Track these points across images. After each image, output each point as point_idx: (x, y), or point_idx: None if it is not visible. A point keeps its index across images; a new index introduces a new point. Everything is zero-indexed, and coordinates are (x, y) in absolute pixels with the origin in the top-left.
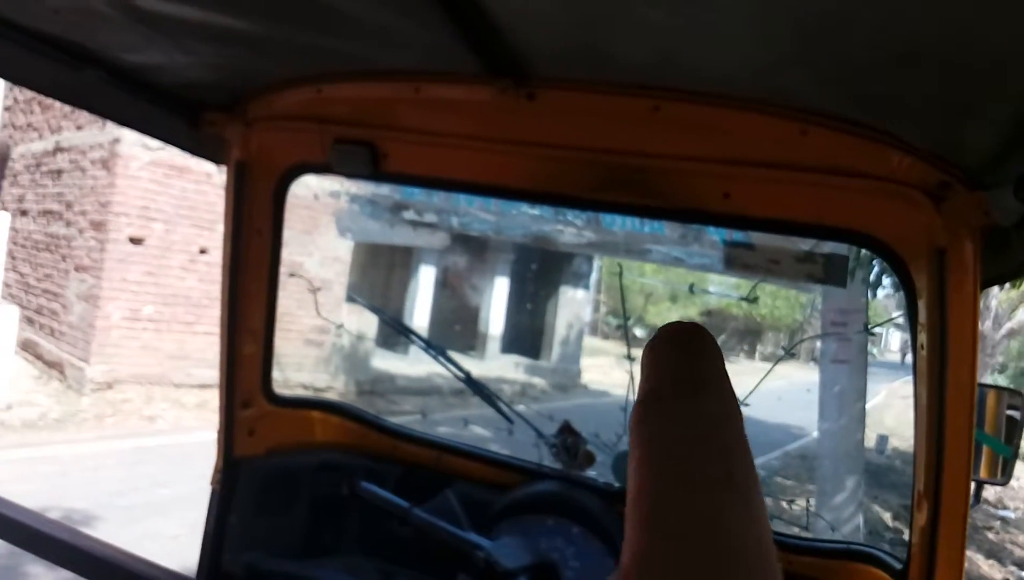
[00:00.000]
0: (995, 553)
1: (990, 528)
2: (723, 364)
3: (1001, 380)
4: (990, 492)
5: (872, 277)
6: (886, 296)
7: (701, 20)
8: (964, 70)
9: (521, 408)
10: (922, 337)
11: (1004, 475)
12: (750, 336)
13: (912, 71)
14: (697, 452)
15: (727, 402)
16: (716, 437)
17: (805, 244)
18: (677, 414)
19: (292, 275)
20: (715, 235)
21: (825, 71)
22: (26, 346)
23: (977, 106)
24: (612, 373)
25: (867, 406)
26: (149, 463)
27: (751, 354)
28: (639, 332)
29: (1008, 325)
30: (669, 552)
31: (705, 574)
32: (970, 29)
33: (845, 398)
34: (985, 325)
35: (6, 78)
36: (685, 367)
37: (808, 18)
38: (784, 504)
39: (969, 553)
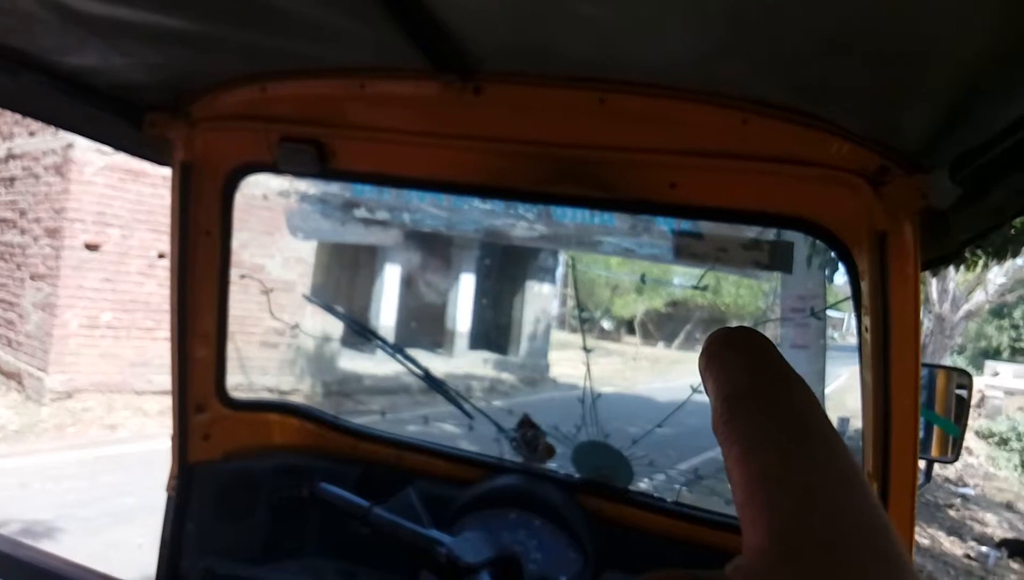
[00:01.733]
0: (956, 530)
1: (951, 506)
2: (781, 354)
3: (960, 361)
4: (951, 470)
5: (829, 262)
6: (845, 282)
7: (639, 13)
8: (895, 54)
9: (484, 404)
10: (866, 320)
11: (954, 453)
12: (715, 325)
13: (844, 57)
14: (799, 439)
15: (809, 392)
16: (812, 424)
17: (751, 232)
18: (769, 407)
19: (243, 277)
20: (664, 225)
21: (761, 60)
22: None
23: (910, 90)
24: (580, 366)
25: (829, 389)
26: (111, 472)
27: None
28: (606, 324)
29: (966, 306)
30: (797, 533)
31: (838, 549)
32: (898, 13)
33: None
34: (944, 307)
35: None
36: (761, 365)
37: (740, 7)
38: None
39: (931, 531)
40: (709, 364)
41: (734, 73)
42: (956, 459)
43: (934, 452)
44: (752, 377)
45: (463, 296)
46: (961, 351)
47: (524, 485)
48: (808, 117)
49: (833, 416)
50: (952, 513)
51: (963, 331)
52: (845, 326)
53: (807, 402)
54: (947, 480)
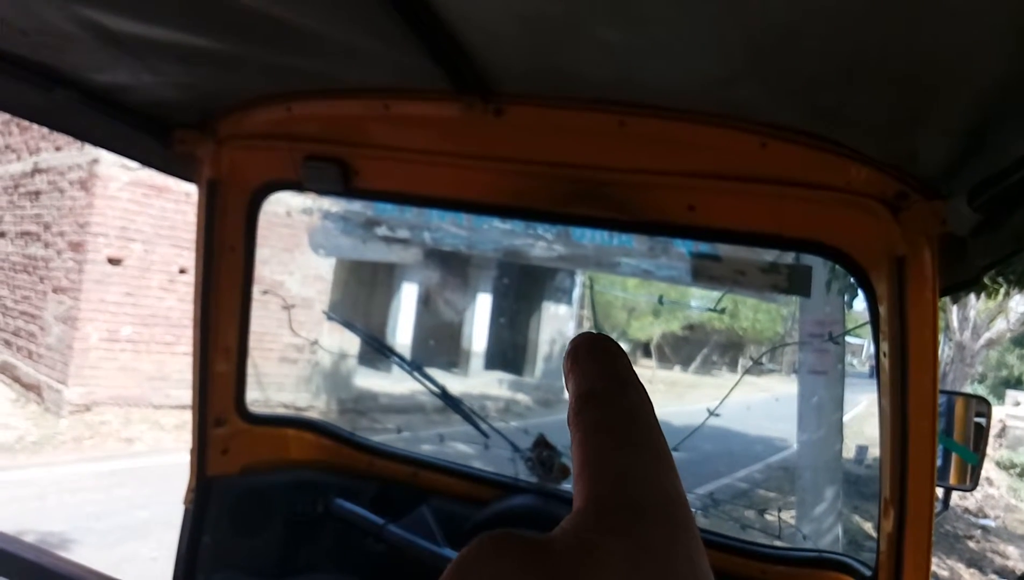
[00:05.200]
0: (976, 562)
1: (971, 537)
2: (630, 362)
3: (980, 390)
4: (971, 501)
5: (849, 288)
6: (864, 308)
7: (659, 38)
8: (913, 80)
9: (500, 424)
10: (884, 345)
11: (972, 481)
12: (732, 350)
13: (863, 82)
14: (625, 429)
15: (642, 392)
16: (639, 419)
17: (770, 255)
18: (606, 406)
19: (266, 292)
20: (682, 247)
21: (779, 85)
22: (3, 369)
23: (928, 116)
24: None
25: (848, 417)
26: (127, 485)
27: (733, 367)
28: (623, 346)
29: (987, 335)
30: (610, 498)
31: (640, 512)
32: (916, 39)
33: (823, 409)
34: (964, 335)
35: None
36: (610, 369)
37: (758, 33)
38: (761, 515)
39: (950, 562)
40: (572, 367)
41: (753, 97)
42: (974, 487)
43: (952, 480)
44: (601, 380)
45: (480, 316)
46: (982, 380)
47: (539, 505)
48: (826, 141)
49: (851, 444)
50: (972, 545)
51: (984, 360)
52: (864, 353)
53: (639, 402)
54: (967, 511)
